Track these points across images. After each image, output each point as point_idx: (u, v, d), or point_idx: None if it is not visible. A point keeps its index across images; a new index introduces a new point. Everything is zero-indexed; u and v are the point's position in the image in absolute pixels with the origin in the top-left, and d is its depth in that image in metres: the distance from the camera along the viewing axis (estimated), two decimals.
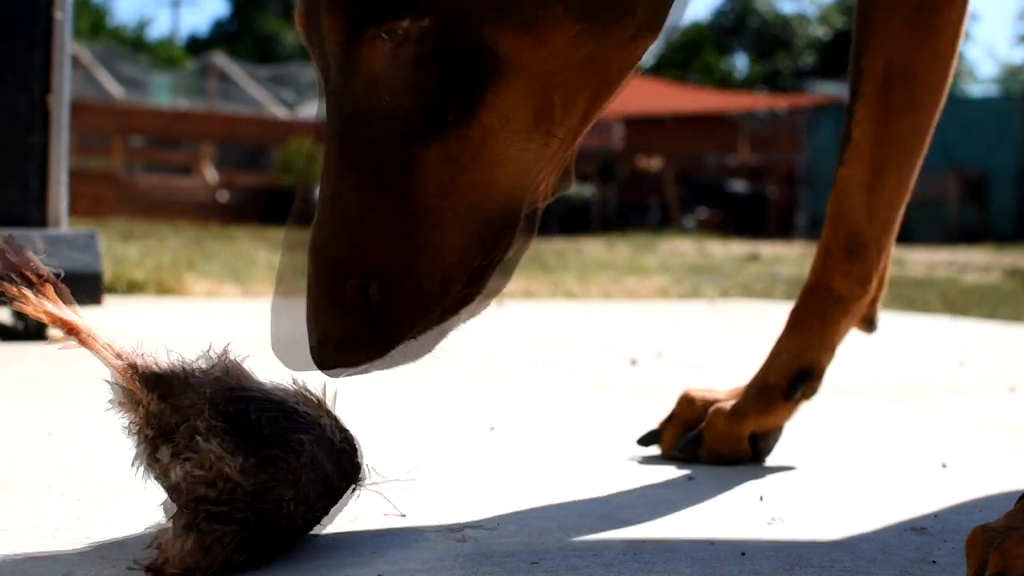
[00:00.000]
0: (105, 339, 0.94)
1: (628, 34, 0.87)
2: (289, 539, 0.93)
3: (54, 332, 2.51)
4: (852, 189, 1.34)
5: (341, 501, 0.97)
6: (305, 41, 0.87)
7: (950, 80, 1.34)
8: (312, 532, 0.99)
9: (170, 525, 0.88)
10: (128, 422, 0.93)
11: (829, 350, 1.37)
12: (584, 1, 0.83)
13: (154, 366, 0.93)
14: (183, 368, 0.94)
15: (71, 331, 0.94)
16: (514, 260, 0.94)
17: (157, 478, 0.92)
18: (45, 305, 0.93)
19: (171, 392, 0.92)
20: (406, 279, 0.86)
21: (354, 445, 0.98)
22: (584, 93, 0.87)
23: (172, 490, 0.89)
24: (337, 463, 0.96)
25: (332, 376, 0.90)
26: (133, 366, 0.93)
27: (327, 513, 0.96)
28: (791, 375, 1.35)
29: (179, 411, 0.91)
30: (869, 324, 1.40)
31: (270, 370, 0.96)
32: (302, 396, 0.96)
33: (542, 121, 0.85)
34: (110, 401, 0.94)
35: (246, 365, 0.96)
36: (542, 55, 0.83)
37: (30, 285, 0.92)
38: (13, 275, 0.92)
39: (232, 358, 0.95)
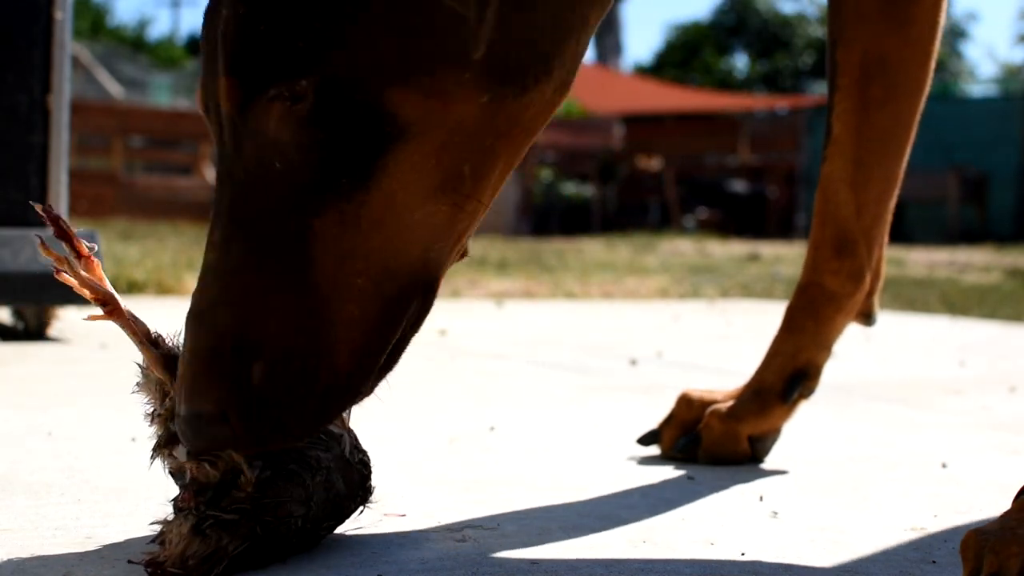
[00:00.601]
0: (141, 323, 0.92)
1: (544, 98, 0.84)
2: (288, 553, 0.92)
3: (54, 333, 2.50)
4: (837, 185, 1.33)
5: (347, 519, 0.97)
6: (203, 113, 0.83)
7: (931, 69, 1.32)
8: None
9: (177, 523, 0.87)
10: (151, 409, 0.92)
11: (824, 349, 1.36)
12: (496, 68, 0.80)
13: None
14: None
15: (108, 305, 0.91)
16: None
17: (172, 473, 0.91)
18: (85, 276, 0.91)
19: None
20: (293, 359, 0.78)
21: (368, 467, 0.97)
22: (498, 156, 0.84)
23: (184, 489, 0.88)
24: (350, 484, 0.95)
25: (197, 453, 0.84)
26: (167, 355, 0.90)
27: (331, 532, 0.96)
28: (786, 376, 1.35)
29: None
30: (867, 318, 1.39)
31: None
32: None
33: (451, 185, 0.81)
34: (136, 384, 0.93)
35: None
36: (448, 120, 0.79)
37: (78, 256, 0.91)
38: (63, 243, 0.90)
39: None
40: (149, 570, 0.86)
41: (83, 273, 0.91)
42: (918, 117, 1.34)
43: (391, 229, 0.80)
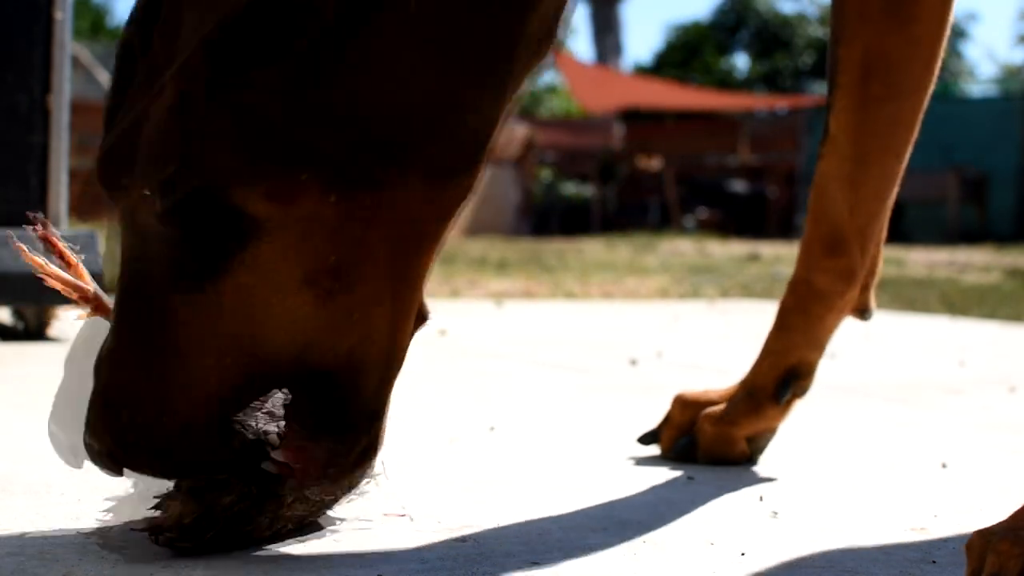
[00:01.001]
0: None
1: (421, 190, 0.83)
2: (291, 525, 0.95)
3: (54, 333, 2.50)
4: (831, 183, 1.31)
5: (351, 491, 0.98)
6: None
7: (935, 69, 1.30)
8: (311, 533, 0.99)
9: (176, 491, 0.90)
10: None
11: (816, 347, 1.34)
12: (339, 166, 0.81)
13: None
14: None
15: (86, 299, 0.98)
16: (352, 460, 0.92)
17: None
18: (63, 274, 0.98)
19: None
20: (145, 410, 0.86)
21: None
22: (375, 249, 0.84)
23: None
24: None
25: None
26: None
27: (334, 498, 0.97)
28: (778, 376, 1.33)
29: None
30: (863, 312, 1.36)
31: None
32: None
33: (316, 278, 0.83)
34: None
35: None
36: (299, 217, 0.81)
37: (62, 259, 0.98)
38: (45, 246, 0.98)
39: None
40: (151, 535, 0.90)
41: (65, 275, 0.97)
42: (920, 117, 1.32)
43: (251, 317, 0.84)
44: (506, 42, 0.84)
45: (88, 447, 0.89)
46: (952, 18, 1.29)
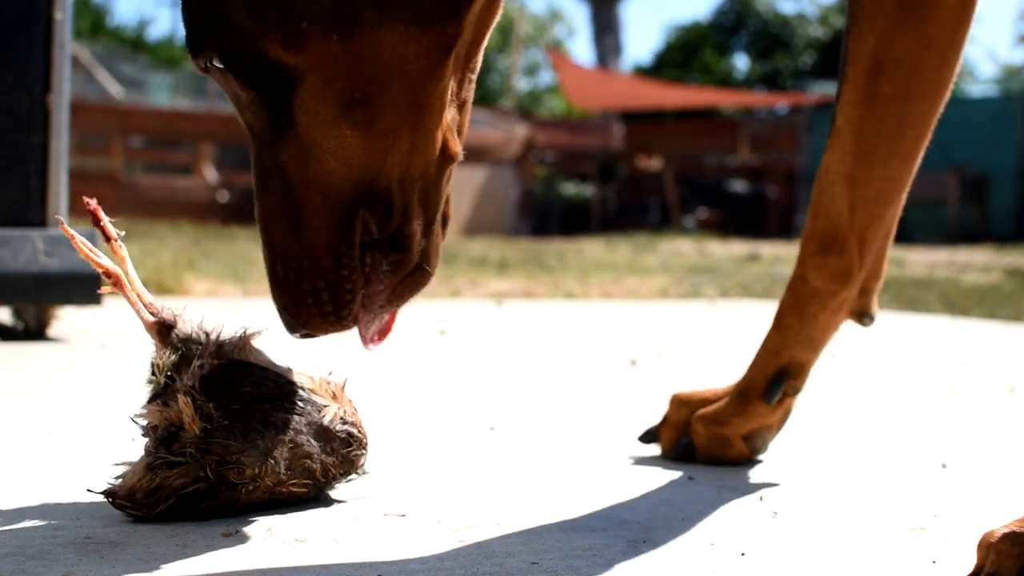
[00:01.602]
0: (145, 295, 1.07)
1: (415, 30, 0.95)
2: (247, 502, 1.03)
3: (54, 333, 2.50)
4: (833, 178, 1.28)
5: (327, 483, 1.08)
6: None
7: (951, 73, 1.26)
8: (312, 533, 0.99)
9: (136, 462, 1.02)
10: (150, 370, 1.06)
11: (810, 348, 1.32)
12: (329, 15, 0.93)
13: (180, 325, 1.06)
14: (204, 333, 1.06)
15: (110, 279, 1.06)
16: (433, 246, 1.04)
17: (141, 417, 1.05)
18: (93, 253, 1.06)
19: (188, 351, 1.04)
20: (296, 258, 0.99)
21: (354, 437, 1.08)
22: (388, 85, 0.96)
23: (145, 431, 1.03)
24: (328, 450, 1.06)
25: (298, 337, 1.01)
26: (160, 322, 1.06)
27: (305, 490, 1.05)
28: (769, 375, 1.32)
29: (184, 367, 1.04)
30: (862, 317, 1.34)
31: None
32: (321, 385, 1.08)
33: (349, 110, 0.96)
34: (152, 349, 1.06)
35: (260, 346, 1.08)
36: (315, 60, 0.94)
37: (107, 239, 1.06)
38: (93, 223, 1.06)
39: (250, 336, 1.08)
40: (108, 499, 1.00)
41: (88, 250, 1.05)
42: (931, 123, 1.28)
43: (316, 153, 0.97)
44: None
45: (280, 314, 1.01)
46: (971, 27, 1.25)
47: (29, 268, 2.20)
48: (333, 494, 1.12)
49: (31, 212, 2.31)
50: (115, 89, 15.50)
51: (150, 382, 1.05)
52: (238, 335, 1.07)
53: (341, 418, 1.07)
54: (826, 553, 1.00)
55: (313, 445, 1.04)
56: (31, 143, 2.34)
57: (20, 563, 0.89)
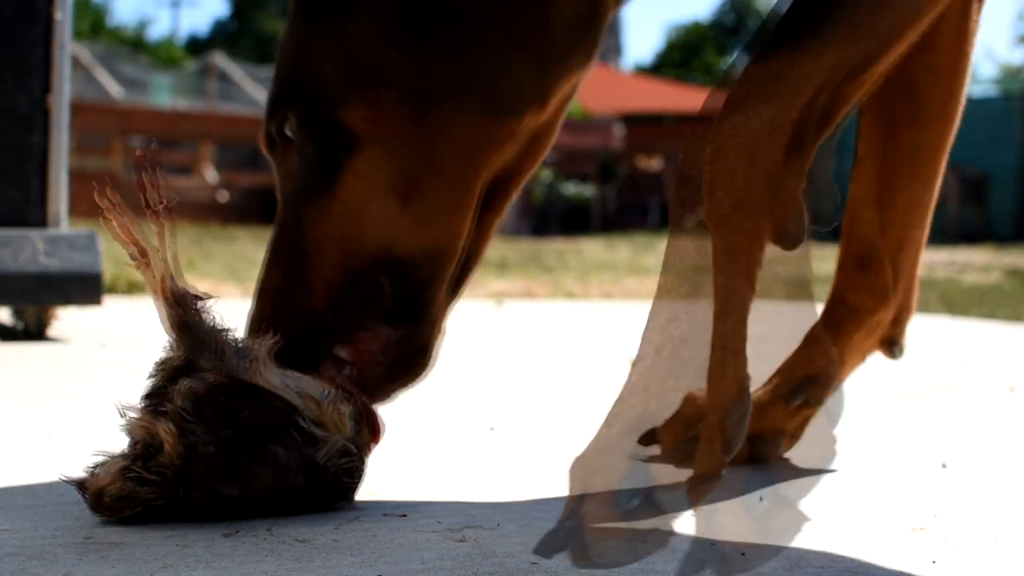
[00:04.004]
0: (175, 282, 1.04)
1: (482, 126, 1.03)
2: (223, 519, 1.01)
3: (54, 333, 2.50)
4: (862, 204, 1.35)
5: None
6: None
7: (958, 100, 1.33)
8: (312, 535, 0.99)
9: (112, 463, 0.99)
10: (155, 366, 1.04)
11: (840, 363, 1.36)
12: (421, 90, 1.01)
13: (196, 327, 1.02)
14: (221, 342, 1.02)
15: (143, 256, 1.05)
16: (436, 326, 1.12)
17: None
18: (126, 225, 1.05)
19: (196, 357, 1.01)
20: (293, 307, 1.07)
21: (352, 475, 1.05)
22: (439, 168, 1.02)
23: (128, 433, 1.00)
24: (316, 485, 1.03)
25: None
26: (179, 317, 1.03)
27: (285, 514, 1.03)
28: (794, 381, 1.34)
29: (186, 376, 1.00)
30: (891, 347, 1.39)
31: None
32: (328, 412, 1.03)
33: (398, 183, 1.02)
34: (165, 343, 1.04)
35: (275, 365, 1.03)
36: (383, 130, 1.01)
37: (147, 205, 1.06)
38: (140, 192, 1.06)
39: (267, 353, 1.03)
40: (77, 490, 1.00)
41: (123, 226, 1.04)
42: (946, 147, 1.35)
43: (353, 217, 1.03)
44: (534, 30, 1.05)
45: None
46: (971, 58, 1.32)
47: (29, 268, 2.20)
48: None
49: (31, 212, 2.31)
50: (115, 89, 15.49)
51: (151, 377, 1.03)
52: (253, 349, 1.03)
53: (340, 451, 1.03)
54: (826, 553, 1.00)
55: (299, 480, 1.02)
56: (31, 143, 2.34)
57: (20, 563, 0.89)
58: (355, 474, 1.06)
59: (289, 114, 1.04)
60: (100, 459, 1.01)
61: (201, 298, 1.04)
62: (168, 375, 1.02)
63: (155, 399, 1.01)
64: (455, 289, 1.14)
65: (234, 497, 1.00)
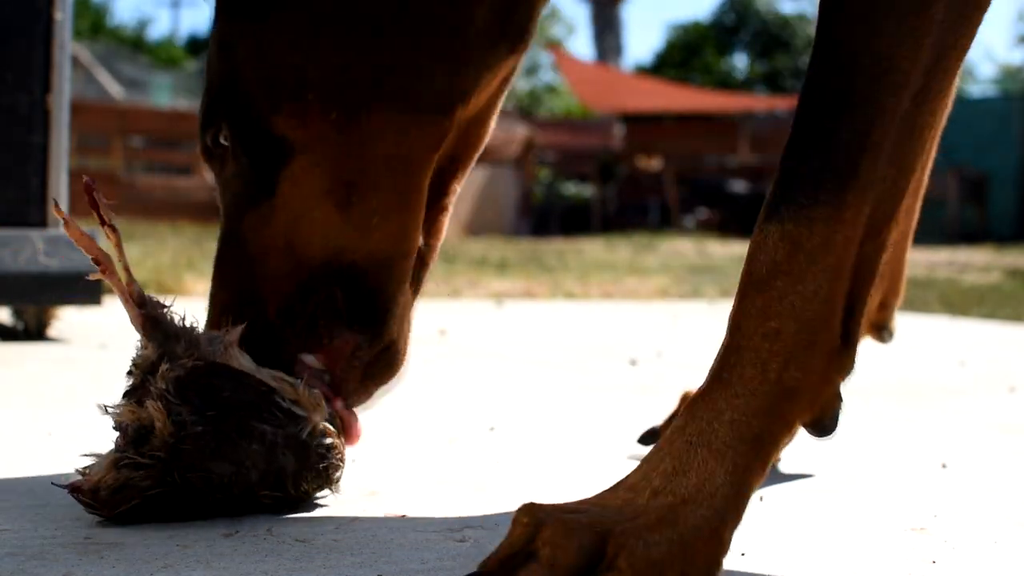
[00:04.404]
0: (133, 284, 1.05)
1: (411, 126, 1.02)
2: (215, 508, 1.02)
3: (54, 333, 2.50)
4: None
5: (299, 496, 1.05)
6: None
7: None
8: (312, 535, 0.99)
9: (103, 458, 1.00)
10: (131, 364, 1.05)
11: None
12: (333, 94, 1.00)
13: (165, 321, 1.04)
14: (191, 333, 1.04)
15: (100, 265, 1.05)
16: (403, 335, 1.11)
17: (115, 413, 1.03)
18: (85, 237, 1.06)
19: (170, 348, 1.02)
20: (245, 318, 1.06)
21: (332, 454, 1.05)
22: (380, 167, 1.02)
23: (117, 428, 1.01)
24: (303, 463, 1.03)
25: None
26: (148, 316, 1.04)
27: (272, 502, 1.03)
28: None
29: (163, 365, 1.01)
30: (880, 331, 1.39)
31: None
32: (304, 394, 1.04)
33: (335, 188, 1.02)
34: (137, 341, 1.05)
35: (244, 352, 1.05)
36: (313, 136, 1.00)
37: (101, 223, 1.05)
38: (93, 208, 1.05)
39: (235, 338, 1.04)
40: (71, 494, 0.99)
41: (82, 235, 1.05)
42: (935, 134, 1.33)
43: (293, 222, 1.04)
44: (451, 27, 1.03)
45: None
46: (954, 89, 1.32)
47: (29, 268, 2.20)
48: (333, 494, 1.12)
49: (31, 212, 2.31)
50: (115, 89, 15.49)
51: (130, 374, 1.04)
52: (223, 336, 1.04)
53: (321, 431, 1.04)
54: (826, 553, 1.00)
55: (288, 458, 1.02)
56: (31, 143, 2.34)
57: (20, 563, 0.89)
58: (337, 458, 1.06)
59: (223, 124, 1.04)
60: (90, 460, 1.01)
61: (163, 304, 1.06)
62: (146, 370, 1.03)
63: (137, 393, 1.02)
64: (415, 284, 1.13)
65: (229, 477, 0.99)
